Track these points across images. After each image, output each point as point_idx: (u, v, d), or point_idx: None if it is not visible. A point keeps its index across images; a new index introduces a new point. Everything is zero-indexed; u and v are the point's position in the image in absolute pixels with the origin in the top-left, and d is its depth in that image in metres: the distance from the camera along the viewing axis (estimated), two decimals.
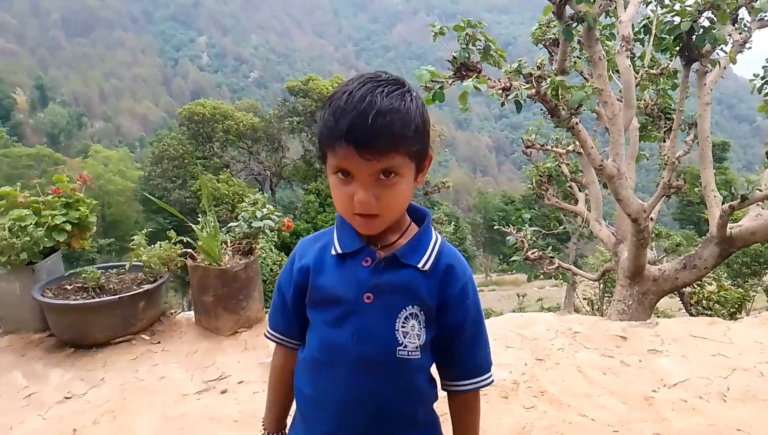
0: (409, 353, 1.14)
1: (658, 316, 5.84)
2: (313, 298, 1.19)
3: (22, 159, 32.89)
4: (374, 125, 0.99)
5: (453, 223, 15.23)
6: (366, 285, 1.13)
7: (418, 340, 1.14)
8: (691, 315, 8.13)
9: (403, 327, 1.13)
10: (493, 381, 1.22)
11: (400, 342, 1.13)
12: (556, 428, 2.44)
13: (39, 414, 2.81)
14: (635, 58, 7.14)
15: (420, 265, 1.14)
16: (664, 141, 7.54)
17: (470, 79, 4.95)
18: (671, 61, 6.85)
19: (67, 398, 2.94)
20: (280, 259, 11.67)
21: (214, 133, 26.68)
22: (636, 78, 6.75)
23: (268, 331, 1.32)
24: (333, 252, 1.17)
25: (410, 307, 1.13)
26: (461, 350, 1.19)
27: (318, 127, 1.09)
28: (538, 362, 3.00)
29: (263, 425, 1.38)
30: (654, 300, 6.49)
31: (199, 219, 3.56)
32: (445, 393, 1.24)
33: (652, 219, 6.50)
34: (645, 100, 7.62)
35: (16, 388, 3.04)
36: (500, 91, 5.17)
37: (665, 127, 7.64)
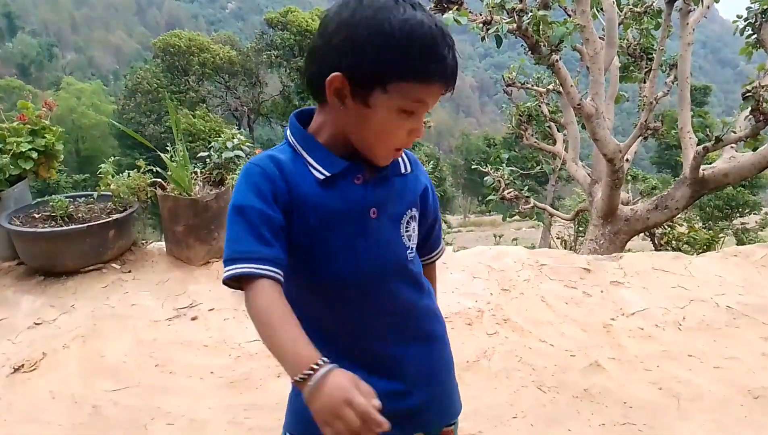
0: (413, 252, 1.22)
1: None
2: (310, 222, 1.09)
3: None
4: (456, 60, 1.04)
5: (432, 162, 15.23)
6: (367, 201, 1.12)
7: (416, 237, 1.23)
8: None
9: (407, 231, 1.19)
10: None
11: (407, 246, 1.20)
12: (515, 352, 2.53)
13: (8, 339, 2.83)
14: None
15: (403, 171, 1.19)
16: (645, 82, 7.50)
17: (451, 12, 4.84)
18: None
19: (37, 324, 2.96)
20: None
21: (189, 66, 25.92)
22: (620, 16, 6.65)
23: (249, 266, 1.01)
24: (319, 175, 1.09)
25: (409, 211, 1.19)
26: (437, 226, 1.32)
27: (401, 58, 0.98)
28: (503, 292, 3.07)
29: (315, 364, 0.90)
30: (625, 239, 6.61)
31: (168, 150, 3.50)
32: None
33: (627, 160, 6.56)
34: (628, 40, 7.53)
35: None
36: (481, 25, 5.07)
37: (646, 68, 7.58)
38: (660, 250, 8.75)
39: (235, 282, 1.05)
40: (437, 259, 1.37)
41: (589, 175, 7.40)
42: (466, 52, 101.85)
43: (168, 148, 3.57)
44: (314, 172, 1.09)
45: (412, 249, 1.21)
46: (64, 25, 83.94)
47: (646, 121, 6.24)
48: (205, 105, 25.42)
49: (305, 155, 1.10)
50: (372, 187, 1.12)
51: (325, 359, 0.91)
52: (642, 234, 7.55)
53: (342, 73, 0.99)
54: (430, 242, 1.32)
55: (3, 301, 3.18)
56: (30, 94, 4.07)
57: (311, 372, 0.88)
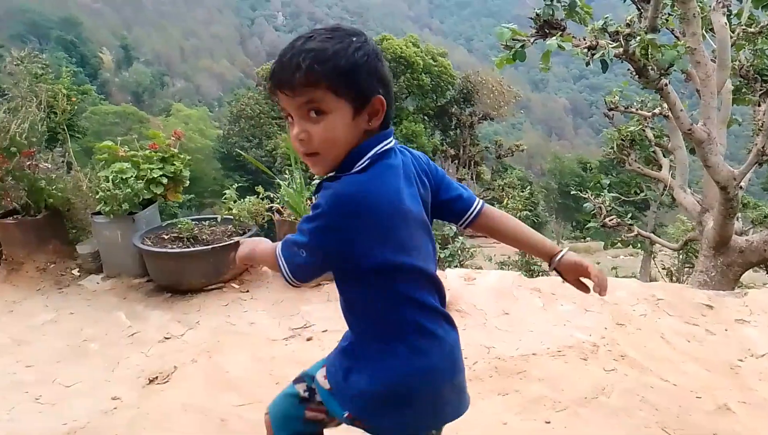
0: None
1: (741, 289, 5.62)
2: None
3: (109, 116, 34.37)
4: (288, 63, 1.14)
5: (528, 188, 14.89)
6: None
7: None
8: None
9: None
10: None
11: None
12: (636, 391, 2.45)
13: (142, 351, 3.07)
14: (731, 16, 6.69)
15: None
16: (759, 105, 7.08)
17: (554, 38, 4.83)
18: None
19: (166, 338, 3.19)
20: None
21: None
22: (731, 37, 6.34)
23: None
24: None
25: None
26: None
27: None
28: (618, 326, 2.99)
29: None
30: (739, 272, 6.23)
31: (285, 176, 3.70)
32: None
33: (741, 187, 6.19)
34: (740, 61, 7.16)
35: (121, 327, 3.32)
36: (585, 50, 5.02)
37: (761, 90, 7.16)
38: None
39: None
40: None
41: (698, 202, 7.04)
42: (560, 74, 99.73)
43: (269, 172, 3.79)
44: None
45: None
46: (174, 55, 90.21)
47: (763, 147, 5.88)
48: None
49: None
50: None
51: None
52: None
53: None
54: None
55: (136, 315, 3.46)
56: (161, 125, 4.44)
57: None
